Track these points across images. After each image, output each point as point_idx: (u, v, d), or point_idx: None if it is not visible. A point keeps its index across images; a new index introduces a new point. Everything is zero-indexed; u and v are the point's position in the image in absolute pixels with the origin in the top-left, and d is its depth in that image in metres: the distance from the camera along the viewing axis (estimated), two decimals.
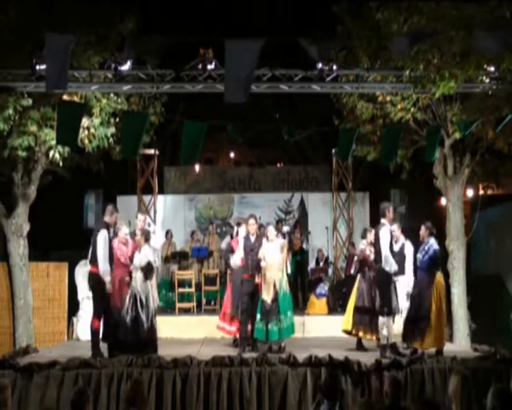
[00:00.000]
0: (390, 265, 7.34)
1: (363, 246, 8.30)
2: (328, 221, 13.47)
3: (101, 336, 7.43)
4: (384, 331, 7.44)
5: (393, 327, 7.58)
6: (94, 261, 7.23)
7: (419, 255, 7.70)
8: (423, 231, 7.74)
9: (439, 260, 7.67)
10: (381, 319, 7.42)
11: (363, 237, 8.41)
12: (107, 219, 7.47)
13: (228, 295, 8.53)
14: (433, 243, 7.59)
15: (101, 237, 7.20)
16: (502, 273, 11.14)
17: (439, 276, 7.62)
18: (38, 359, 6.95)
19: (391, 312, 7.47)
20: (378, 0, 8.27)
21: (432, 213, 13.35)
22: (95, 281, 7.28)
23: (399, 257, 8.10)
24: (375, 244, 7.58)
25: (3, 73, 7.81)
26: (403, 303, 8.03)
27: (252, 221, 8.05)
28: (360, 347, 8.09)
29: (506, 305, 10.66)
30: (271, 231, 8.12)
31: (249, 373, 6.45)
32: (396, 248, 8.14)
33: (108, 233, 7.33)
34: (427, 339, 7.33)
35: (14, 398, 6.16)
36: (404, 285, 8.15)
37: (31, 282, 9.66)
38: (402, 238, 8.40)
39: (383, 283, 7.48)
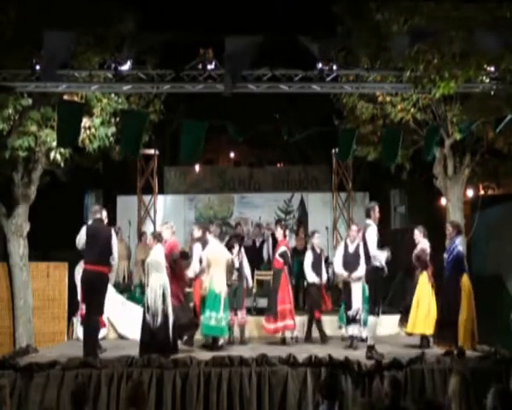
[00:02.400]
0: (379, 261, 7.31)
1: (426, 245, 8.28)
2: (328, 221, 13.46)
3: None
4: (377, 331, 7.48)
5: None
6: (86, 260, 7.40)
7: (445, 255, 7.64)
8: (450, 229, 7.73)
9: (464, 261, 7.58)
10: (373, 319, 7.36)
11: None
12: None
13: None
14: (458, 244, 7.54)
15: (81, 232, 7.40)
16: (502, 273, 11.12)
17: (465, 277, 7.53)
18: (38, 359, 6.95)
19: (380, 312, 7.47)
20: (378, 0, 8.27)
21: (432, 213, 13.33)
22: (89, 278, 7.37)
23: (354, 257, 8.32)
24: (363, 245, 7.52)
25: (3, 73, 7.82)
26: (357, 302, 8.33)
27: (194, 227, 9.41)
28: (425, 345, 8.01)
29: (506, 305, 10.64)
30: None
31: (249, 373, 6.44)
32: (351, 248, 8.56)
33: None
34: (462, 340, 7.31)
35: (14, 398, 6.17)
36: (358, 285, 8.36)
37: (31, 282, 9.66)
38: (358, 238, 8.34)
39: (374, 283, 7.42)
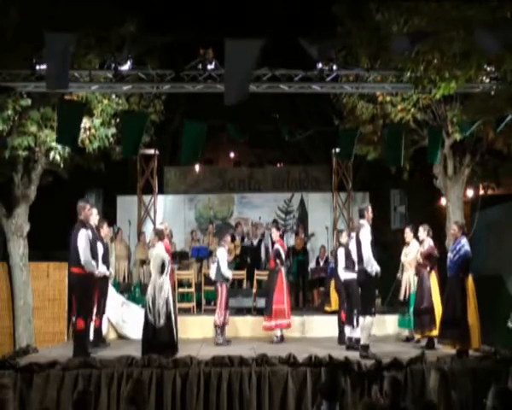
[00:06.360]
0: (372, 266, 7.22)
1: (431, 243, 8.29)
2: (328, 221, 13.47)
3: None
4: (372, 331, 7.44)
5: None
6: (75, 263, 7.17)
7: (450, 255, 7.58)
8: (456, 229, 7.69)
9: (470, 262, 7.50)
10: (368, 319, 7.29)
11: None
12: (81, 217, 7.38)
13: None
14: (464, 244, 7.47)
15: (82, 235, 7.16)
16: (502, 273, 11.12)
17: (471, 279, 7.46)
18: (38, 359, 6.95)
19: (375, 312, 7.44)
20: (378, 1, 8.27)
21: (432, 213, 13.34)
22: (78, 282, 7.24)
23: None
24: (357, 245, 7.46)
25: (3, 73, 7.81)
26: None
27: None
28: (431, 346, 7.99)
29: (506, 305, 10.64)
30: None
31: (249, 373, 6.44)
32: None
33: (87, 230, 7.29)
34: (472, 340, 7.27)
35: (14, 398, 6.16)
36: None
37: (31, 282, 9.66)
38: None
39: (367, 283, 7.35)
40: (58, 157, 8.68)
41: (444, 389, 4.66)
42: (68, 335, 10.02)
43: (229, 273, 8.86)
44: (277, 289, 8.72)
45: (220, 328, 8.67)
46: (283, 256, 8.90)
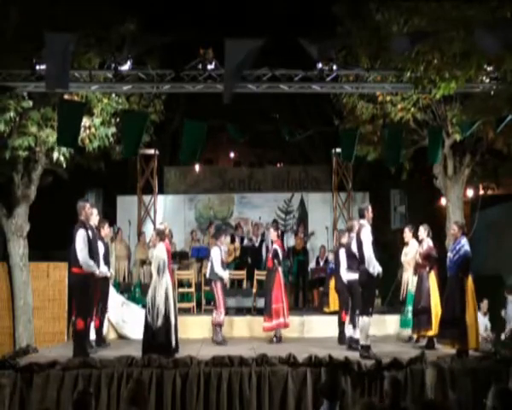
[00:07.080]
0: (374, 266, 7.20)
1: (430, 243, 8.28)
2: (328, 221, 13.48)
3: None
4: (370, 331, 7.43)
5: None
6: (75, 263, 7.15)
7: (450, 254, 7.57)
8: (456, 229, 7.68)
9: (470, 262, 7.47)
10: (366, 319, 7.28)
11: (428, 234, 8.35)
12: (82, 217, 7.35)
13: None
14: (464, 244, 7.46)
15: (80, 235, 7.13)
16: (502, 273, 11.14)
17: (470, 279, 7.45)
18: (38, 359, 6.94)
19: (372, 312, 7.41)
20: (378, 1, 8.27)
21: (432, 213, 13.34)
22: (77, 282, 7.22)
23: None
24: (358, 246, 7.45)
25: (3, 73, 7.81)
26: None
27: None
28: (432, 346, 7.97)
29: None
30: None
31: (249, 373, 6.43)
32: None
33: (87, 230, 7.26)
34: (470, 340, 7.27)
35: (14, 398, 6.18)
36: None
37: (31, 282, 9.66)
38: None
39: (368, 284, 7.33)
40: (62, 158, 8.70)
41: (441, 385, 4.67)
42: (68, 335, 10.02)
43: (222, 273, 8.84)
44: (275, 289, 8.75)
45: (220, 326, 8.69)
46: (281, 256, 8.94)
